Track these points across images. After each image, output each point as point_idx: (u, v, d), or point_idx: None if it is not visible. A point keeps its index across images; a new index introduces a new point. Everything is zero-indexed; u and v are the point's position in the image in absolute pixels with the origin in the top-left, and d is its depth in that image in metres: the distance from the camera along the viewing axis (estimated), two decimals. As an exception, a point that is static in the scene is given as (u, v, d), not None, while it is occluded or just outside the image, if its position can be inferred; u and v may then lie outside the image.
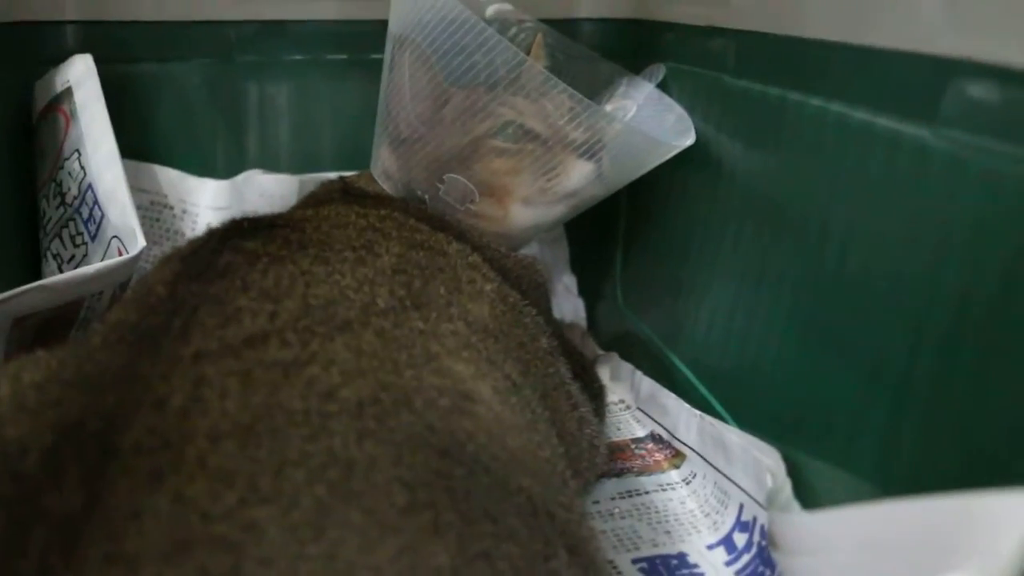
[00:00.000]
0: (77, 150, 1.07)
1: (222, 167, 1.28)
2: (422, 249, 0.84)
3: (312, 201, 1.03)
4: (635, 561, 0.86)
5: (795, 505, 0.79)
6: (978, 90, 0.65)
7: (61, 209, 1.09)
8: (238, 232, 0.80)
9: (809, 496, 0.79)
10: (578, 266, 1.36)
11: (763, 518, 0.82)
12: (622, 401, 1.14)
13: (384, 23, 1.02)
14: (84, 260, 1.05)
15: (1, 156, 1.12)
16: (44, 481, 0.52)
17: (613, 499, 0.96)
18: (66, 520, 0.49)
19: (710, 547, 0.87)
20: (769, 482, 0.81)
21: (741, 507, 0.87)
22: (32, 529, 0.49)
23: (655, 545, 0.88)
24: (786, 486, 0.80)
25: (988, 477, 0.49)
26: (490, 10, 1.11)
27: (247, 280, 0.71)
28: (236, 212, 1.03)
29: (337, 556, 0.51)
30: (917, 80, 0.71)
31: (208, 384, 0.59)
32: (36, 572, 0.47)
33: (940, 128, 0.68)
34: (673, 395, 1.06)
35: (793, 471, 0.81)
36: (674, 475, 0.99)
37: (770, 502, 0.79)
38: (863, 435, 0.73)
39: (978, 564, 0.43)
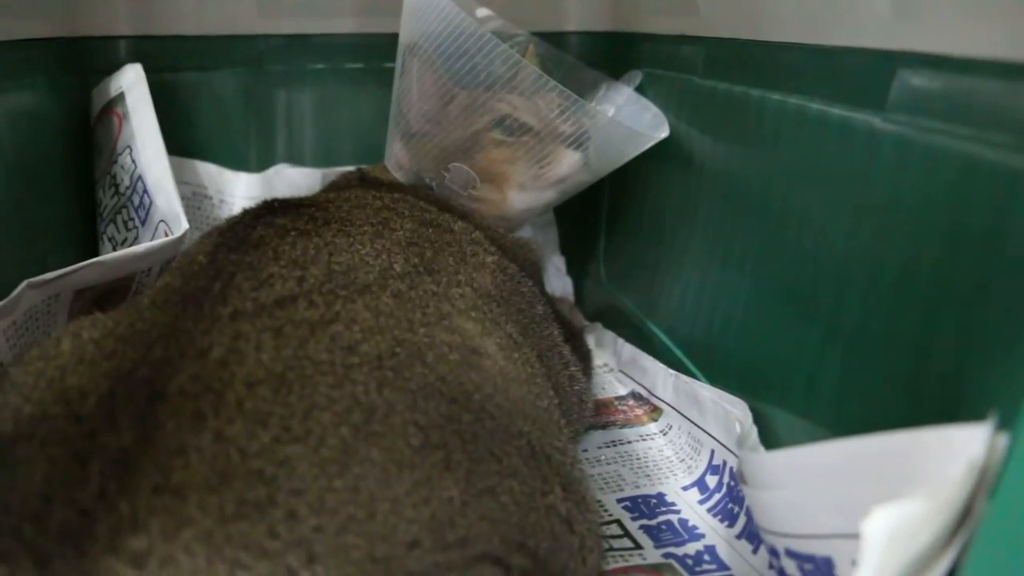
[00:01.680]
0: (129, 147, 1.07)
1: (254, 162, 1.27)
2: (431, 226, 0.83)
3: (334, 187, 1.03)
4: (620, 500, 0.85)
5: (761, 449, 0.78)
6: (921, 78, 0.64)
7: (115, 198, 1.08)
8: (270, 210, 0.80)
9: (773, 440, 0.78)
10: (566, 248, 1.35)
11: (732, 462, 0.82)
12: (606, 364, 1.14)
13: (394, 36, 1.02)
14: (135, 242, 1.04)
15: (64, 153, 1.12)
16: (101, 422, 0.52)
17: (600, 448, 0.95)
18: (121, 455, 0.49)
19: (685, 488, 0.86)
20: (737, 429, 0.80)
21: (712, 453, 0.86)
22: (91, 463, 0.49)
23: (637, 487, 0.88)
24: (752, 432, 0.79)
25: (932, 419, 0.48)
26: (480, 12, 1.10)
27: (278, 250, 0.70)
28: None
29: (360, 488, 0.51)
30: (866, 72, 0.70)
31: (245, 338, 0.58)
32: (95, 499, 0.47)
33: (888, 113, 0.67)
34: (651, 358, 1.05)
35: (758, 419, 0.81)
36: (652, 427, 0.98)
37: (739, 446, 0.79)
38: (819, 385, 0.73)
39: (928, 491, 0.42)
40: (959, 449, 0.44)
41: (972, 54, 0.59)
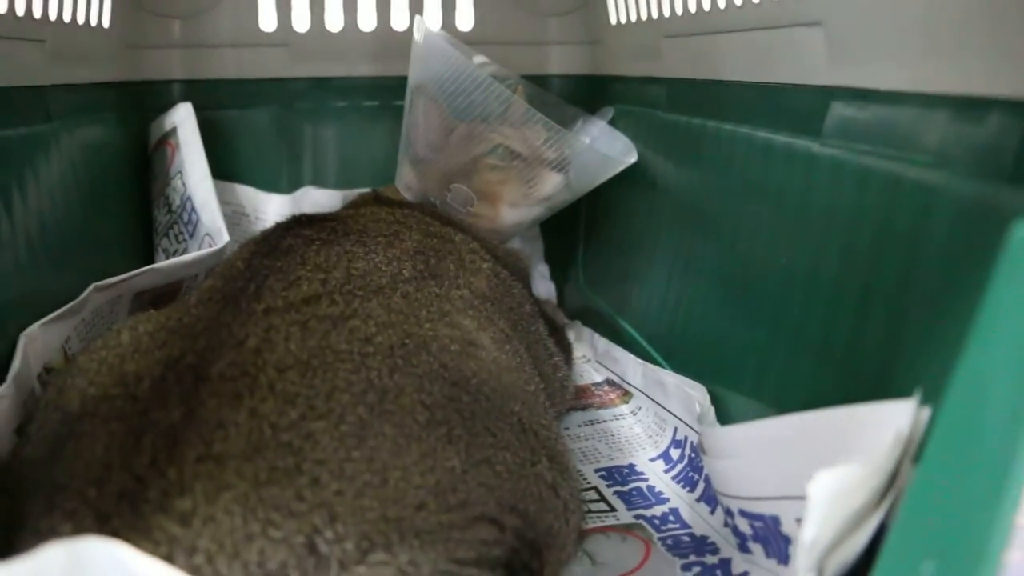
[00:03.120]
0: (180, 172, 1.07)
1: (285, 185, 1.27)
2: (435, 238, 0.83)
3: (352, 205, 1.03)
4: (597, 470, 0.84)
5: (718, 425, 0.77)
6: (852, 109, 0.63)
7: (168, 215, 1.08)
8: (298, 224, 0.80)
9: (728, 418, 0.77)
10: (550, 257, 1.35)
11: (693, 437, 0.81)
12: (584, 356, 1.13)
13: (404, 79, 1.02)
14: (184, 252, 1.04)
15: (128, 179, 1.12)
16: (153, 401, 0.51)
17: (579, 426, 0.94)
18: (169, 429, 0.49)
19: (652, 459, 0.86)
20: (697, 409, 0.80)
21: (676, 430, 0.85)
22: (145, 436, 0.49)
23: (611, 459, 0.87)
24: (710, 412, 0.78)
25: (864, 397, 0.47)
26: (477, 58, 1.10)
27: (304, 257, 0.70)
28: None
29: (375, 459, 0.51)
30: (805, 105, 0.69)
31: (276, 330, 0.58)
32: (148, 466, 0.47)
33: (824, 139, 0.66)
34: (622, 350, 1.04)
35: (715, 400, 0.80)
36: (624, 408, 0.97)
37: (699, 423, 0.79)
38: (768, 371, 0.72)
39: (862, 459, 0.42)
40: (888, 422, 0.44)
41: (894, 88, 0.59)
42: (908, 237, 0.55)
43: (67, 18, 0.91)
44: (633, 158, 1.02)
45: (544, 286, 1.32)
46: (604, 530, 0.74)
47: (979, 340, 0.37)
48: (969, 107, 0.52)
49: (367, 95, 1.27)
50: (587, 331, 1.17)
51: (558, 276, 1.34)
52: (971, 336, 0.37)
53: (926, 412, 0.43)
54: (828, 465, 0.41)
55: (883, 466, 0.43)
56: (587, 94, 1.26)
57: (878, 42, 0.61)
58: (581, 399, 1.01)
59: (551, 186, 0.97)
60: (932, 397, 0.43)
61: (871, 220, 0.59)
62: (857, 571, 0.44)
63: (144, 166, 1.16)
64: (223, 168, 1.19)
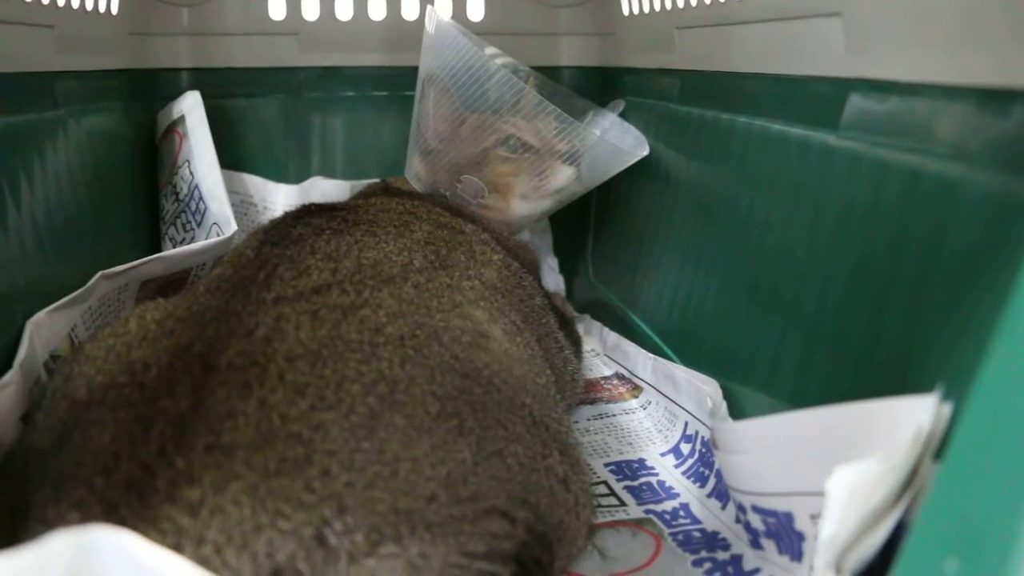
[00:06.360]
0: (188, 161, 1.07)
1: (293, 175, 1.27)
2: (446, 228, 0.83)
3: (361, 195, 1.03)
4: (606, 464, 0.84)
5: (730, 420, 0.77)
6: (870, 100, 0.63)
7: (176, 204, 1.08)
8: (307, 213, 0.80)
9: (741, 413, 0.77)
10: (559, 250, 1.34)
11: (703, 432, 0.81)
12: (593, 350, 1.12)
13: (414, 68, 1.01)
14: (192, 241, 1.04)
15: (134, 166, 1.12)
16: (161, 390, 0.51)
17: (589, 420, 0.94)
18: (178, 418, 0.49)
19: (663, 454, 0.85)
20: (709, 404, 0.79)
21: (686, 424, 0.85)
22: (152, 425, 0.49)
23: (621, 453, 0.87)
24: (722, 407, 0.78)
25: (881, 393, 0.47)
26: (488, 49, 1.10)
27: (314, 246, 0.70)
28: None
29: (385, 450, 0.50)
30: (822, 97, 0.68)
31: (286, 320, 0.58)
32: (156, 455, 0.47)
33: (841, 132, 0.65)
34: (632, 344, 1.04)
35: (727, 395, 0.79)
36: (634, 403, 0.97)
37: (711, 418, 0.78)
38: (782, 366, 0.71)
39: (880, 456, 0.41)
40: (906, 418, 0.43)
41: (913, 79, 0.58)
42: (927, 230, 0.55)
43: (75, 4, 0.91)
44: (645, 151, 1.01)
45: (553, 279, 1.32)
46: (614, 525, 0.74)
47: (1007, 335, 0.36)
48: (990, 99, 0.51)
49: (377, 85, 1.27)
50: (596, 324, 1.17)
51: (567, 269, 1.33)
52: (998, 331, 0.36)
53: (947, 408, 0.42)
54: (844, 461, 0.41)
55: (902, 462, 0.42)
56: (598, 86, 1.26)
57: (897, 33, 0.60)
58: (590, 393, 1.00)
59: (562, 179, 0.97)
60: (953, 393, 0.42)
61: (889, 213, 0.59)
62: (875, 568, 0.43)
63: (152, 154, 1.16)
64: (231, 157, 1.19)
